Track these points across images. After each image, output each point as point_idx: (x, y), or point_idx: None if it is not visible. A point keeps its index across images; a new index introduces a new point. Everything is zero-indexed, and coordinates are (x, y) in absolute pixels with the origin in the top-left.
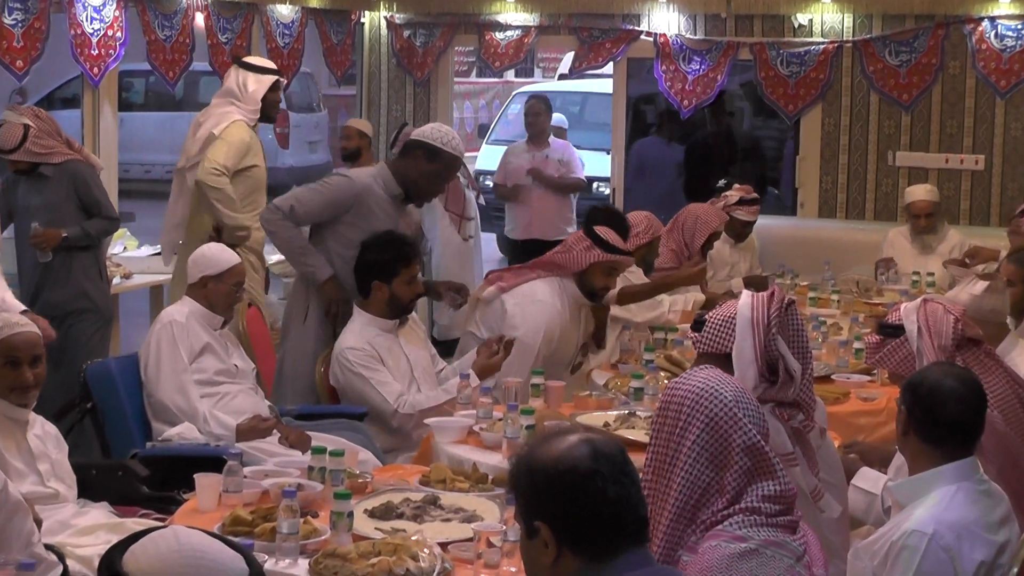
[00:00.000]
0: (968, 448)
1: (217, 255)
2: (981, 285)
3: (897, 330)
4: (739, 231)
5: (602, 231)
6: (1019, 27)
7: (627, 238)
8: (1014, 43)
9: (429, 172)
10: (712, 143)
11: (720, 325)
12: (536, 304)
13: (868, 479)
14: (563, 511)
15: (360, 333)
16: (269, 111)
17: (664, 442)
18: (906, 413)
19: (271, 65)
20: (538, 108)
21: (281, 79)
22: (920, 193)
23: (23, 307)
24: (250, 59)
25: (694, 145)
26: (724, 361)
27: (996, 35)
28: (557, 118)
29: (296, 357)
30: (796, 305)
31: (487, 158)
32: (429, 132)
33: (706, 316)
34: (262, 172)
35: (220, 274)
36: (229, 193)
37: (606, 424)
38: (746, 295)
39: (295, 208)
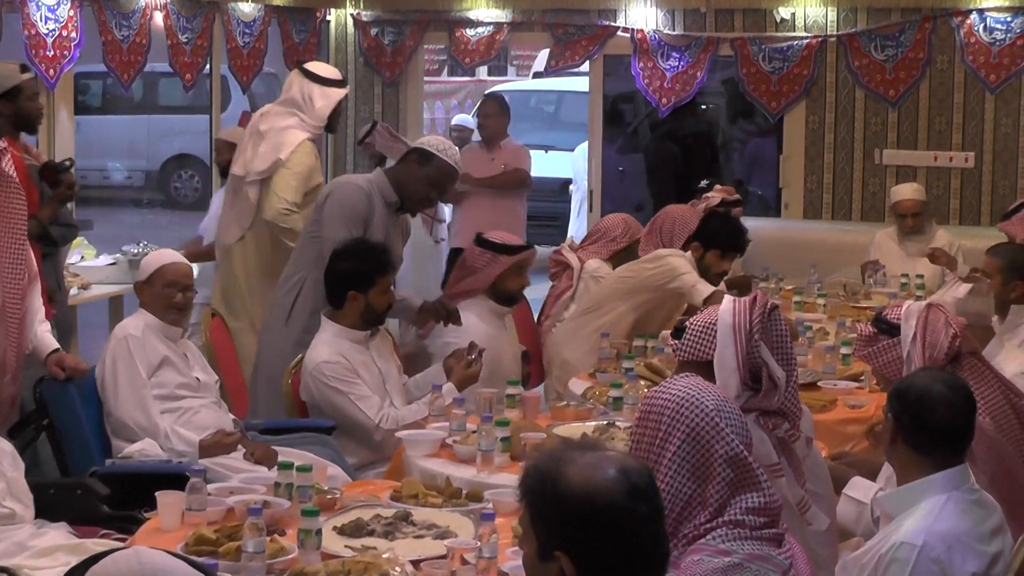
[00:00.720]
0: (959, 455)
1: (148, 259)
2: (964, 287)
3: (893, 329)
4: None
5: (492, 235)
6: (1009, 19)
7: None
8: (1004, 36)
9: (420, 177)
10: (692, 142)
11: (700, 332)
12: (463, 334)
13: (859, 488)
14: (591, 548)
15: (332, 345)
16: (333, 123)
17: (644, 454)
18: (894, 420)
19: (337, 75)
20: (489, 109)
21: (346, 90)
22: (906, 192)
23: (56, 345)
24: (315, 67)
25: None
26: (705, 369)
27: (985, 28)
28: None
29: (275, 362)
30: (780, 310)
31: None
32: (427, 139)
33: (687, 323)
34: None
35: (148, 278)
36: (299, 229)
37: (584, 435)
38: (727, 300)
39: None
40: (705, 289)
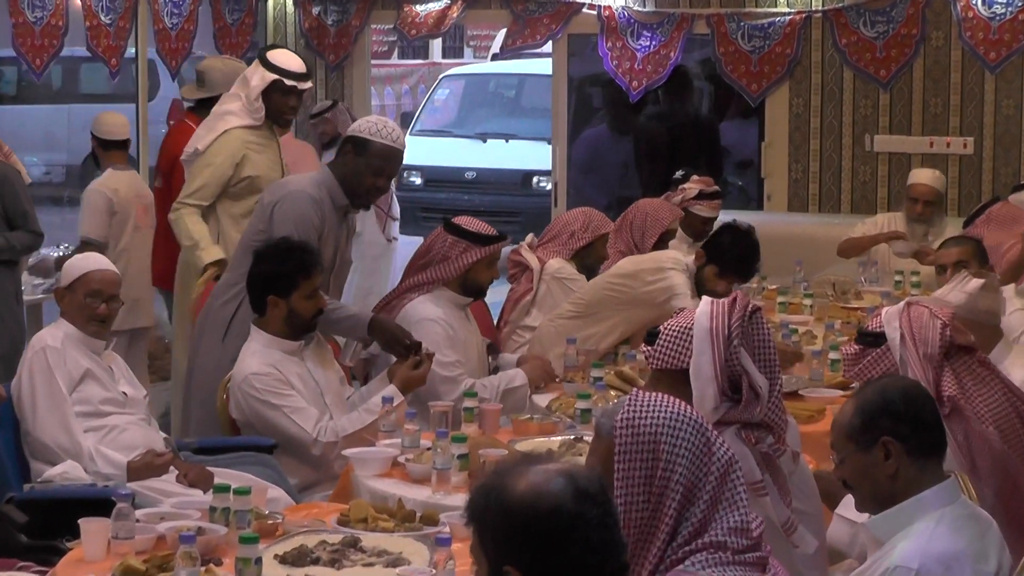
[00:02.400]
0: (943, 458)
1: (73, 264)
2: (976, 283)
3: (878, 338)
4: (698, 229)
5: (465, 222)
6: None
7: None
8: (1004, 10)
9: (362, 169)
10: (667, 130)
11: (675, 337)
12: (426, 324)
13: (854, 507)
14: (540, 559)
15: (262, 356)
16: (275, 116)
17: (641, 488)
18: (893, 440)
19: (294, 66)
20: None
21: (294, 84)
22: (925, 177)
23: None
24: (276, 54)
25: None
26: (681, 378)
27: (984, 1)
28: None
29: (208, 378)
30: (762, 312)
31: (412, 151)
32: (358, 124)
33: (660, 327)
34: (262, 183)
35: (70, 284)
36: (183, 226)
37: (549, 451)
38: (705, 302)
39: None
40: None
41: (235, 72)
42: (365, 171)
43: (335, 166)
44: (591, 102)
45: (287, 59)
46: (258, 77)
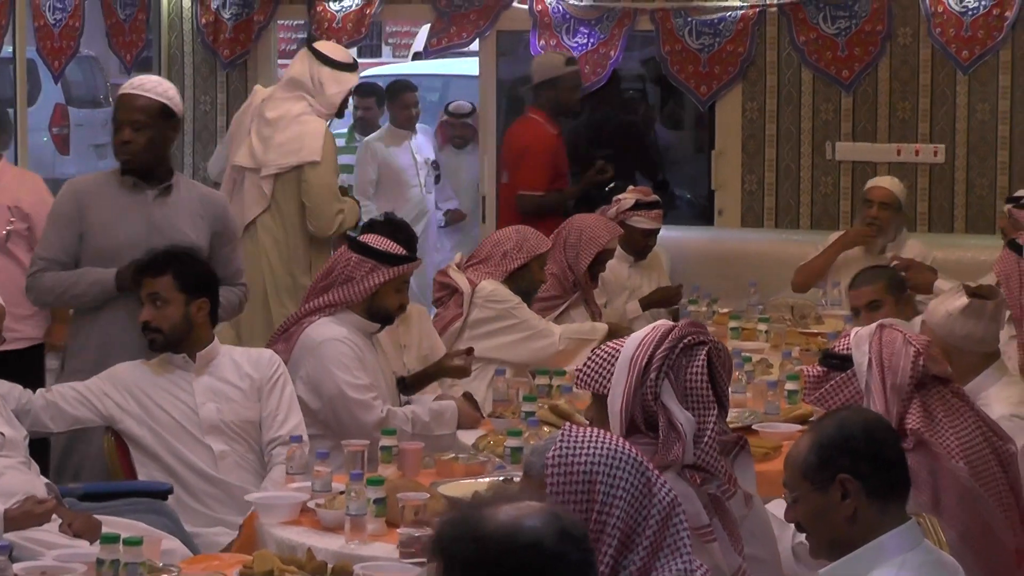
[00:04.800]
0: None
1: None
2: (958, 304)
3: (845, 361)
4: (640, 244)
5: (372, 240)
6: None
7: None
8: (977, 4)
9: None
10: (605, 137)
11: (601, 361)
12: (329, 344)
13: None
14: None
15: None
16: (342, 110)
17: None
18: (852, 480)
19: (348, 58)
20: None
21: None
22: (883, 180)
23: None
24: (325, 47)
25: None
26: (605, 405)
27: None
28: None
29: None
30: (711, 349)
31: None
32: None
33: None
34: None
35: None
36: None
37: (476, 495)
38: (647, 328)
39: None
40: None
41: (551, 63)
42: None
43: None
44: (523, 107)
45: (341, 52)
46: (332, 81)
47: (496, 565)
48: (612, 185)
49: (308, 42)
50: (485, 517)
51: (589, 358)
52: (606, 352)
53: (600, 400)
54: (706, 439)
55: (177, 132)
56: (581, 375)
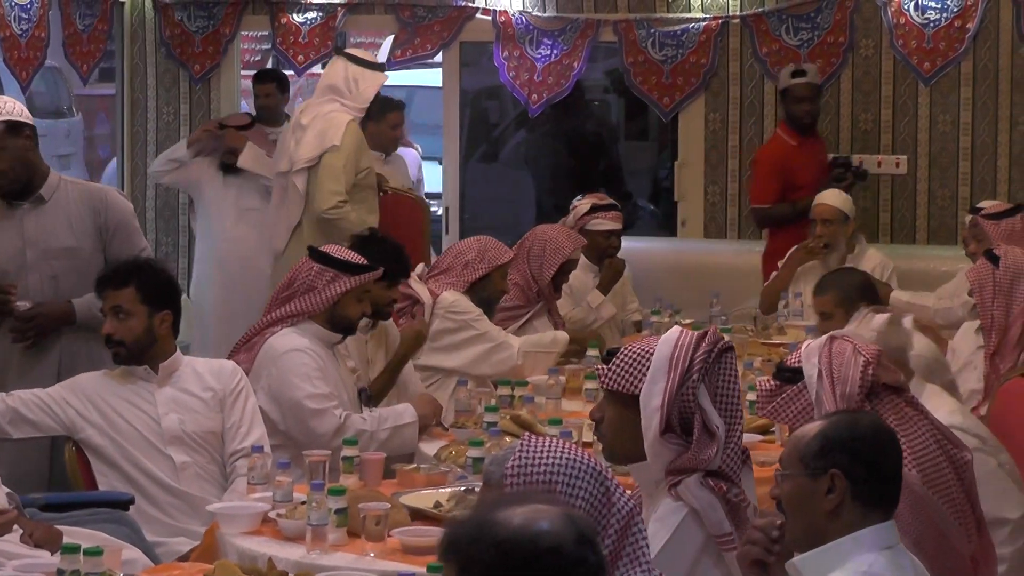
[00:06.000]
0: (894, 507)
1: None
2: (880, 319)
3: (796, 374)
4: (602, 247)
5: (332, 250)
6: None
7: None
8: (939, 15)
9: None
10: (568, 149)
11: (632, 360)
12: (291, 355)
13: None
14: None
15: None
16: (372, 110)
17: None
18: (843, 478)
19: (378, 59)
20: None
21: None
22: (826, 196)
23: None
24: (355, 51)
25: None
26: (630, 403)
27: (917, 6)
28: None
29: None
30: (735, 354)
31: None
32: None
33: (621, 347)
34: (371, 175)
35: None
36: (352, 222)
37: (438, 505)
38: (674, 330)
39: None
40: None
41: (782, 74)
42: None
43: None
44: (487, 117)
45: (370, 55)
46: (365, 78)
47: (517, 570)
48: (579, 198)
49: (337, 50)
50: (502, 521)
51: (617, 360)
52: (636, 352)
53: (622, 399)
54: (732, 444)
55: (33, 139)
56: (609, 374)
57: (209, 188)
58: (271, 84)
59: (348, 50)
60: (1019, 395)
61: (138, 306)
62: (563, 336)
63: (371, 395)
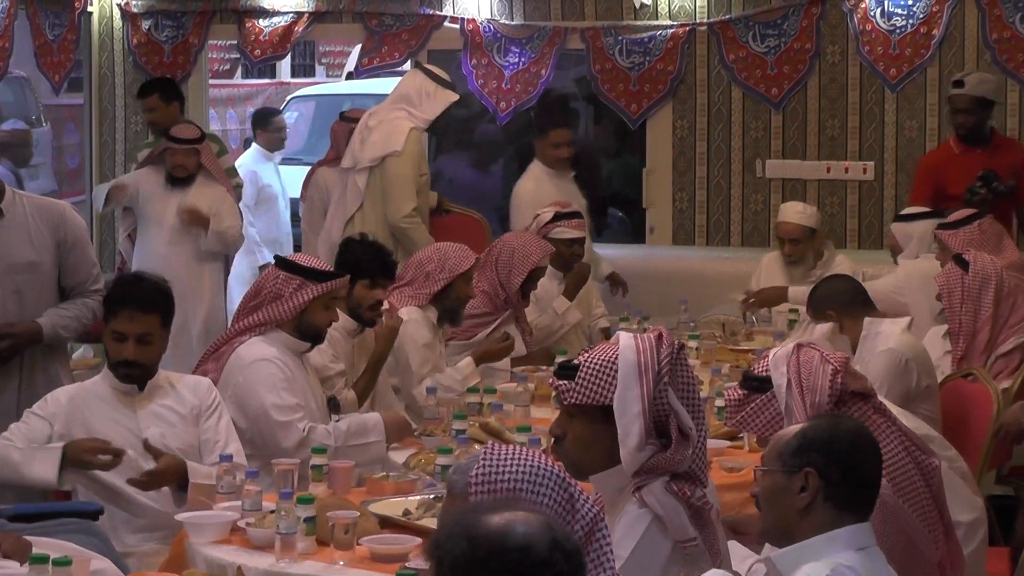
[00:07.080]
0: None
1: None
2: (822, 328)
3: (764, 383)
4: (566, 255)
5: (298, 258)
6: (910, 2)
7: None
8: (905, 22)
9: None
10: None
11: (597, 370)
12: (259, 364)
13: (736, 557)
14: None
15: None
16: (437, 124)
17: None
18: (817, 477)
19: (450, 78)
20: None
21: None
22: (789, 213)
23: None
24: (432, 68)
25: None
26: (599, 415)
27: (883, 12)
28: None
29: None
30: (685, 351)
31: None
32: None
33: (576, 360)
34: (427, 179)
35: None
36: (422, 232)
37: (407, 513)
38: (628, 336)
39: None
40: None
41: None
42: None
43: None
44: (455, 126)
45: (444, 72)
46: (438, 94)
47: (483, 565)
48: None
49: (417, 64)
50: (480, 520)
51: (582, 374)
52: (598, 362)
53: (590, 412)
54: (700, 444)
55: None
56: (575, 388)
57: (152, 200)
58: (153, 96)
59: (426, 66)
60: (957, 397)
61: (160, 331)
62: (475, 376)
63: (339, 404)
